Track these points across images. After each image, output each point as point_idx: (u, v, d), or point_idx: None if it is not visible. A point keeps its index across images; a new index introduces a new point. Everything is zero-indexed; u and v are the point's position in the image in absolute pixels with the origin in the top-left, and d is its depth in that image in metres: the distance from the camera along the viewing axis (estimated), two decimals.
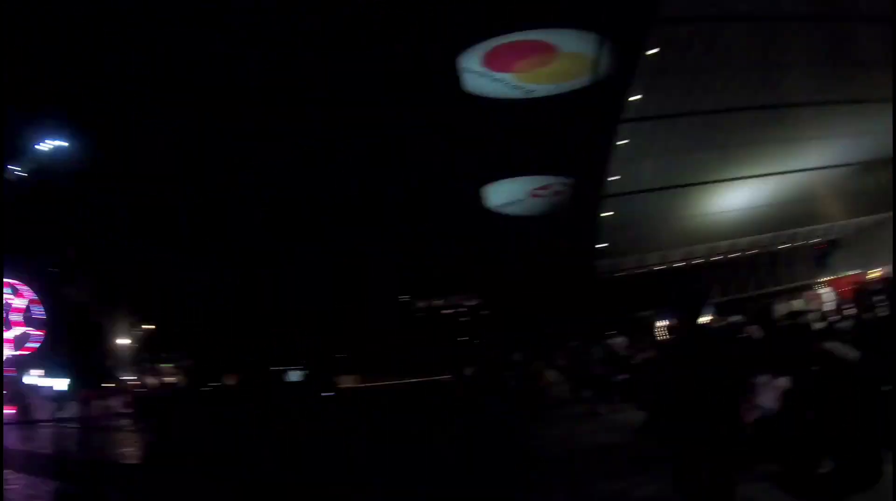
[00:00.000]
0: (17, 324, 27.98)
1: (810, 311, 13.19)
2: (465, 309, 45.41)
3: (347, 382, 42.58)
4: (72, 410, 25.71)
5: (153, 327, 42.96)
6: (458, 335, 42.81)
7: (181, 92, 25.99)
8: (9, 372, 29.91)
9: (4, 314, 27.28)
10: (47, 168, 34.75)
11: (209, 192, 36.06)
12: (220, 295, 39.82)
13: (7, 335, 27.04)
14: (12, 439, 17.35)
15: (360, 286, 41.59)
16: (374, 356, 42.22)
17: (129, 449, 15.12)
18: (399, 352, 39.95)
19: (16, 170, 34.98)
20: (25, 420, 23.41)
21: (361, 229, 39.85)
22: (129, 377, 44.29)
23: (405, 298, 45.41)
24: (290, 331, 41.19)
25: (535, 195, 29.20)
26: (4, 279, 28.59)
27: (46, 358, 30.87)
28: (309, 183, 32.93)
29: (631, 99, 20.97)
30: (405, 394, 31.21)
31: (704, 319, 3.76)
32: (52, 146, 35.06)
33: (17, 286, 28.43)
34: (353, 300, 41.43)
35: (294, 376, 49.85)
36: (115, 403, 31.21)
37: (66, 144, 35.49)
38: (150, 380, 44.02)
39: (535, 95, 22.68)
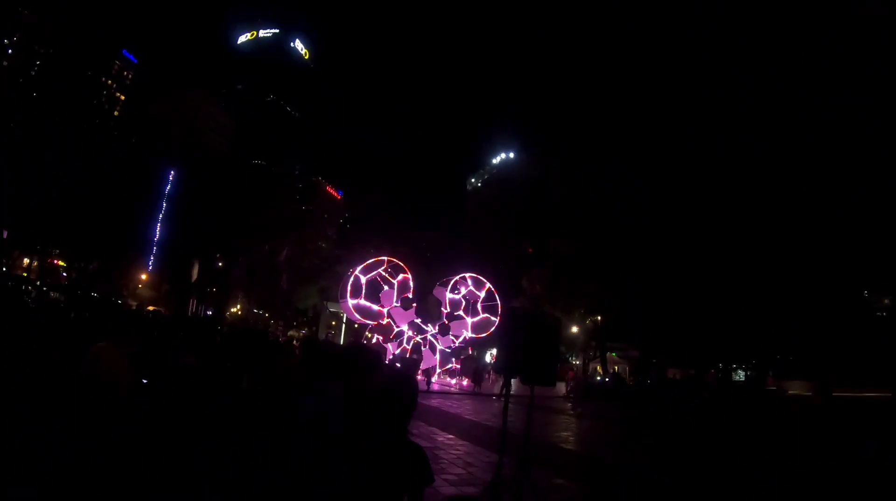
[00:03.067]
0: (481, 313, 32.37)
1: None
2: None
3: (794, 388, 37.06)
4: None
5: (602, 317, 44.55)
6: None
7: None
8: (470, 352, 37.03)
9: (472, 303, 32.68)
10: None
11: None
12: (670, 287, 38.98)
13: (470, 321, 32.24)
14: (467, 408, 21.96)
15: (818, 276, 35.65)
16: (827, 360, 35.97)
17: (564, 434, 17.49)
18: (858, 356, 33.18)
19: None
20: (479, 393, 28.61)
21: None
22: (575, 363, 47.49)
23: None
24: (739, 325, 37.61)
25: None
26: (472, 274, 34.66)
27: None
28: None
29: None
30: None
31: None
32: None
33: (480, 279, 33.26)
34: (808, 294, 35.67)
35: (738, 376, 45.54)
36: (560, 386, 34.76)
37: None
38: (595, 367, 46.52)
39: None
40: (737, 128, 43.32)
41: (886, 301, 39.66)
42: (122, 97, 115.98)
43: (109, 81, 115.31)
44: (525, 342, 6.36)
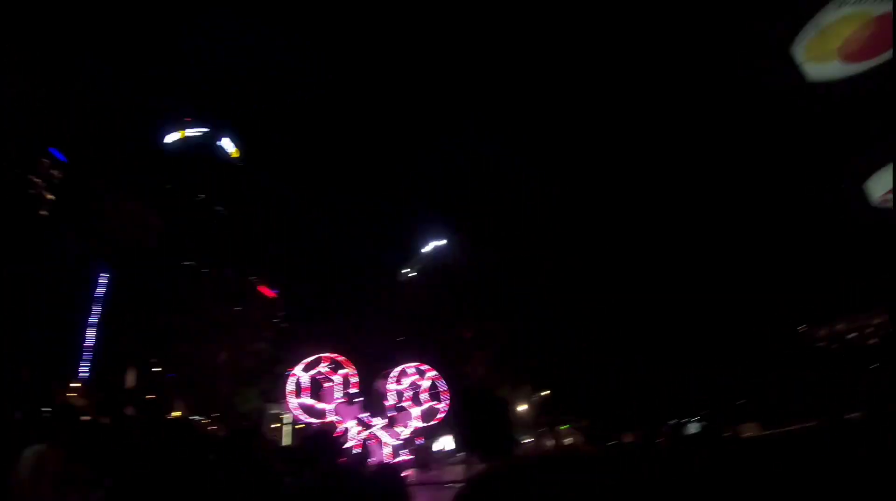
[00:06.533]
0: (426, 401, 32.36)
1: None
2: (873, 329, 37.02)
3: (748, 430, 38.36)
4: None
5: (549, 392, 45.31)
6: (868, 363, 35.14)
7: None
8: (419, 441, 36.84)
9: (414, 393, 32.61)
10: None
11: None
12: (612, 353, 40.08)
13: (416, 411, 32.08)
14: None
15: (753, 319, 37.33)
16: (776, 397, 37.31)
17: None
18: (804, 390, 34.49)
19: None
20: (423, 482, 28.32)
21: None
22: (528, 440, 47.95)
23: (803, 327, 38.98)
24: (686, 379, 38.80)
25: None
26: (414, 364, 34.84)
27: (451, 427, 36.16)
28: None
29: None
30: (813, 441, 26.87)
31: None
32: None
33: (422, 368, 33.33)
34: (747, 337, 37.29)
35: (692, 428, 46.49)
36: None
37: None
38: (548, 442, 46.99)
39: None
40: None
41: (823, 333, 41.08)
42: (51, 197, 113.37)
43: (36, 180, 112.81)
44: (482, 418, 6.49)
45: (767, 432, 36.34)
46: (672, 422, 45.23)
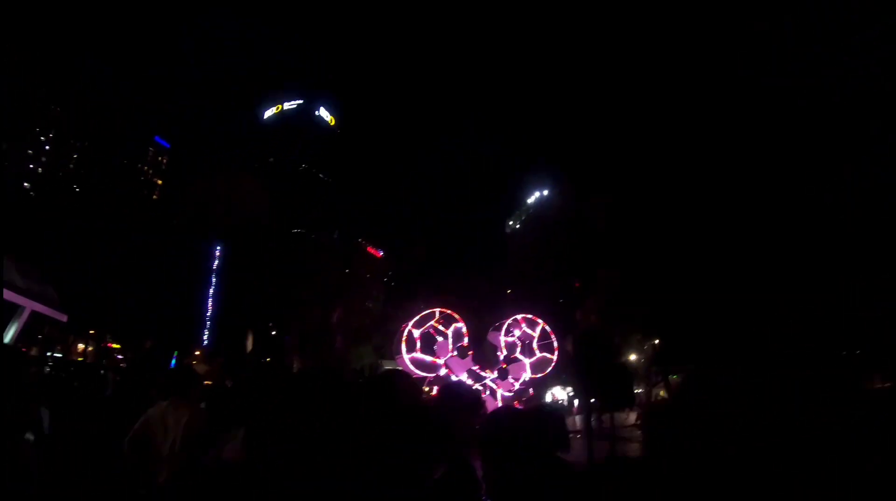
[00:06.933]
0: (538, 352, 32.42)
1: None
2: None
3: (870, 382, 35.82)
4: (589, 423, 29.72)
5: (660, 340, 44.05)
6: None
7: None
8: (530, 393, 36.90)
9: (524, 344, 32.69)
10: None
11: None
12: (724, 299, 38.41)
13: (527, 362, 32.23)
14: None
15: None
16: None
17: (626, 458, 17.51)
18: None
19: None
20: None
21: None
22: (639, 390, 46.79)
23: None
24: (804, 324, 36.69)
25: None
26: (525, 315, 34.76)
27: (561, 378, 36.11)
28: None
29: None
30: None
31: None
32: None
33: (532, 319, 33.29)
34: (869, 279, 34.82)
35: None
36: (629, 416, 34.54)
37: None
38: (660, 392, 45.77)
39: None
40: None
41: None
42: (160, 182, 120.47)
43: (146, 167, 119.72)
44: (600, 366, 6.55)
45: (888, 384, 34.16)
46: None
